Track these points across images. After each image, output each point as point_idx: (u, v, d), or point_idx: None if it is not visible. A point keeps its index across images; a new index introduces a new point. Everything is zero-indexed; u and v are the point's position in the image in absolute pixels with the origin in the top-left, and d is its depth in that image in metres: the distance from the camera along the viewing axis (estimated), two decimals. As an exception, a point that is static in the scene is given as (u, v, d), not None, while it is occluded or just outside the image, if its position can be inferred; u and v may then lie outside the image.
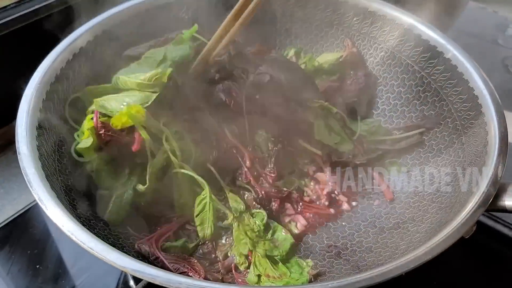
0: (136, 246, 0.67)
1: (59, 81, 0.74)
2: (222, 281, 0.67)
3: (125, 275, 0.79)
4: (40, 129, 0.66)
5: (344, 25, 0.91)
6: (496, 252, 0.82)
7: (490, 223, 0.82)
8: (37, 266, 0.79)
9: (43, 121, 0.68)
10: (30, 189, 0.58)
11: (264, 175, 0.77)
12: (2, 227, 0.85)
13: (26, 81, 0.71)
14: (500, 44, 1.26)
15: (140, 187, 0.70)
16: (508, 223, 0.82)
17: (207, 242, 0.71)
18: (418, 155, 0.81)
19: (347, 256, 0.71)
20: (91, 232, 0.56)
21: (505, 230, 0.82)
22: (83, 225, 0.57)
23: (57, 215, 0.55)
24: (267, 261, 0.68)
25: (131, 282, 0.78)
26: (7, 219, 0.86)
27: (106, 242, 0.55)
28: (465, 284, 0.77)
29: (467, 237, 0.57)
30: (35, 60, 0.74)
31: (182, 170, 0.71)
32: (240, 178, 0.77)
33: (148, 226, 0.73)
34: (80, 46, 0.78)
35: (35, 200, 0.86)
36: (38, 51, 0.74)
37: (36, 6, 0.94)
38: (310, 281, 0.66)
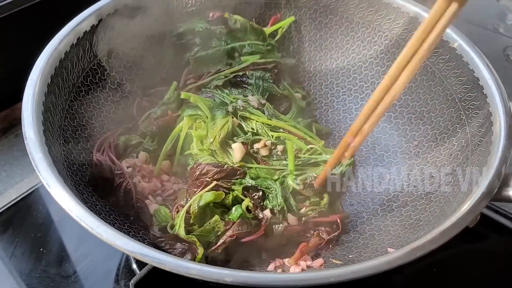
0: (94, 159, 0.71)
1: (63, 66, 0.73)
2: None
3: (127, 259, 0.79)
4: (46, 114, 0.66)
5: (349, 12, 0.90)
6: (494, 240, 0.83)
7: (489, 213, 0.83)
8: (41, 250, 0.80)
9: (48, 106, 0.68)
10: (38, 174, 0.57)
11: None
12: (4, 210, 0.85)
13: (27, 65, 0.70)
14: (501, 33, 1.26)
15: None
16: (507, 211, 0.83)
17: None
18: (421, 144, 0.81)
19: (350, 243, 0.72)
20: (98, 217, 0.56)
21: (503, 220, 0.83)
22: (90, 210, 0.58)
23: (65, 201, 0.55)
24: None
25: (134, 265, 0.78)
26: (10, 202, 0.86)
27: (113, 227, 0.56)
28: (463, 272, 0.78)
29: (471, 226, 0.58)
30: (36, 43, 0.73)
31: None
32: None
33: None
34: (85, 30, 0.77)
35: (37, 184, 0.88)
36: (42, 33, 0.74)
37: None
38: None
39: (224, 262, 0.66)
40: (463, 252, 0.80)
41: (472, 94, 0.73)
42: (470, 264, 0.79)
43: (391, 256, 0.53)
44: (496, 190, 0.59)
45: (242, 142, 0.76)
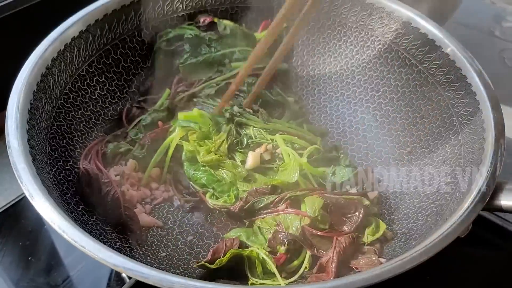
0: (81, 167, 0.72)
1: (50, 72, 0.72)
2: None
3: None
4: (31, 122, 0.65)
5: (342, 16, 0.90)
6: (489, 244, 0.82)
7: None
8: (29, 258, 0.78)
9: (34, 114, 0.67)
10: (20, 184, 0.57)
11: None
12: (-7, 218, 0.84)
13: (17, 70, 0.69)
14: (497, 36, 1.25)
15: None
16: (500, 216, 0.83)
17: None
18: (414, 151, 0.80)
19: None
20: (83, 228, 0.56)
21: (497, 220, 0.82)
22: (75, 220, 0.57)
23: (48, 212, 0.55)
24: None
25: (124, 274, 0.77)
26: (-2, 210, 0.85)
27: (98, 238, 0.55)
28: (458, 278, 0.77)
29: (462, 236, 0.57)
30: (27, 47, 0.72)
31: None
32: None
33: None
34: (72, 36, 0.76)
35: (24, 191, 0.86)
36: (31, 38, 0.73)
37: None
38: None
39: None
40: (457, 256, 0.78)
41: (465, 100, 0.72)
42: (464, 268, 0.78)
43: (381, 268, 0.52)
44: (487, 199, 0.58)
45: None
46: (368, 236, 0.67)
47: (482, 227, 0.79)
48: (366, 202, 0.69)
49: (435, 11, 0.88)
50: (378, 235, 0.67)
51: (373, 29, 0.87)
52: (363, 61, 0.90)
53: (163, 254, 0.70)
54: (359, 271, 0.62)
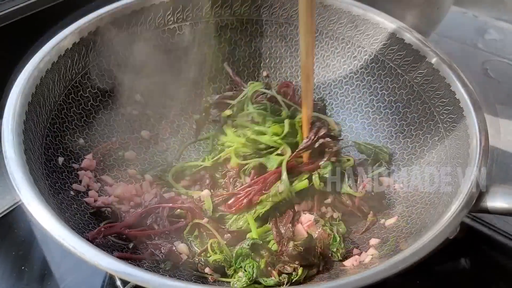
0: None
1: (44, 84, 0.73)
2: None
3: (111, 275, 0.79)
4: (27, 132, 0.66)
5: (329, 28, 0.92)
6: (477, 250, 0.84)
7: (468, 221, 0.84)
8: (22, 268, 0.78)
9: (30, 124, 0.67)
10: (19, 194, 0.57)
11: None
12: (-14, 228, 0.84)
13: (9, 81, 0.70)
14: (480, 48, 1.29)
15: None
16: (486, 222, 0.85)
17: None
18: (401, 157, 0.82)
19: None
20: (82, 236, 0.56)
21: (484, 229, 0.84)
22: (73, 228, 0.57)
23: (47, 221, 0.55)
24: None
25: (118, 282, 0.77)
26: (-9, 219, 0.85)
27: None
28: (447, 283, 0.79)
29: (451, 237, 0.58)
30: (19, 59, 0.73)
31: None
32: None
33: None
34: (66, 48, 0.77)
35: (20, 201, 0.86)
36: (22, 51, 0.74)
37: (21, 4, 0.93)
38: None
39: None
40: (446, 261, 0.80)
41: (449, 108, 0.75)
42: (454, 273, 0.80)
43: (373, 270, 0.53)
44: (474, 201, 0.60)
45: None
46: None
47: (471, 236, 0.82)
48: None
49: (419, 23, 0.91)
50: None
51: (360, 40, 0.90)
52: (351, 71, 0.92)
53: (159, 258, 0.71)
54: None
